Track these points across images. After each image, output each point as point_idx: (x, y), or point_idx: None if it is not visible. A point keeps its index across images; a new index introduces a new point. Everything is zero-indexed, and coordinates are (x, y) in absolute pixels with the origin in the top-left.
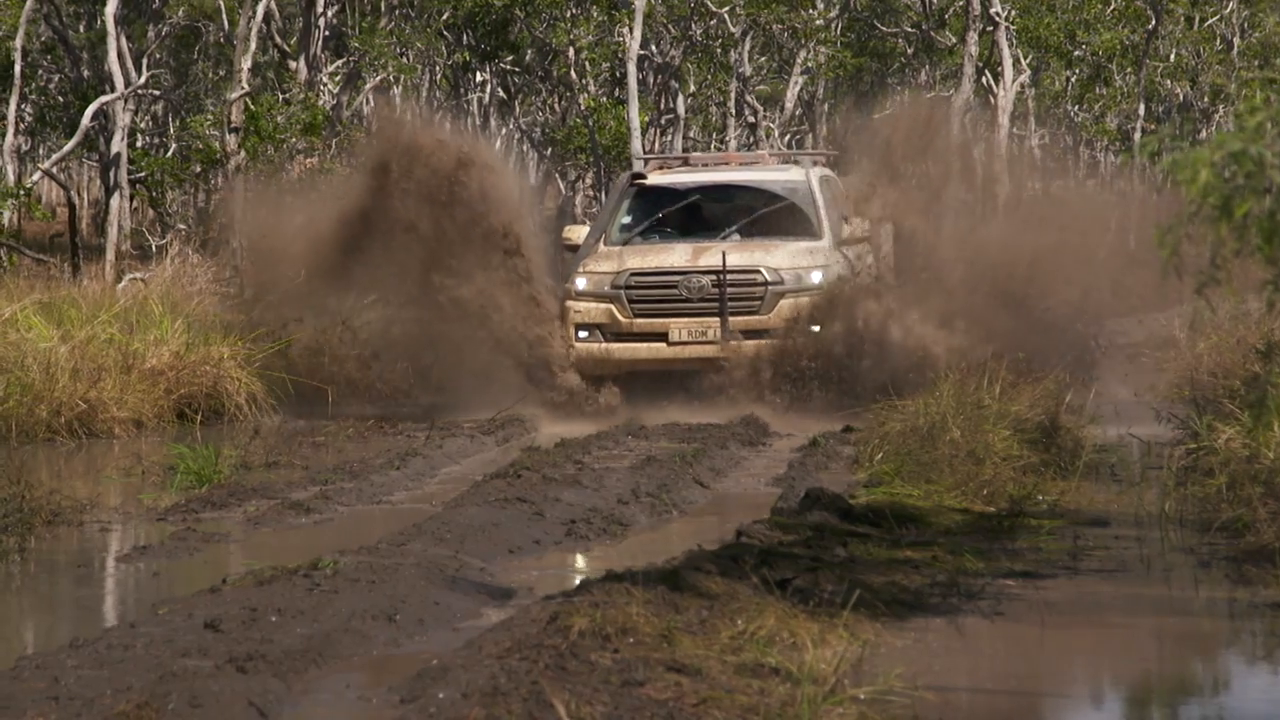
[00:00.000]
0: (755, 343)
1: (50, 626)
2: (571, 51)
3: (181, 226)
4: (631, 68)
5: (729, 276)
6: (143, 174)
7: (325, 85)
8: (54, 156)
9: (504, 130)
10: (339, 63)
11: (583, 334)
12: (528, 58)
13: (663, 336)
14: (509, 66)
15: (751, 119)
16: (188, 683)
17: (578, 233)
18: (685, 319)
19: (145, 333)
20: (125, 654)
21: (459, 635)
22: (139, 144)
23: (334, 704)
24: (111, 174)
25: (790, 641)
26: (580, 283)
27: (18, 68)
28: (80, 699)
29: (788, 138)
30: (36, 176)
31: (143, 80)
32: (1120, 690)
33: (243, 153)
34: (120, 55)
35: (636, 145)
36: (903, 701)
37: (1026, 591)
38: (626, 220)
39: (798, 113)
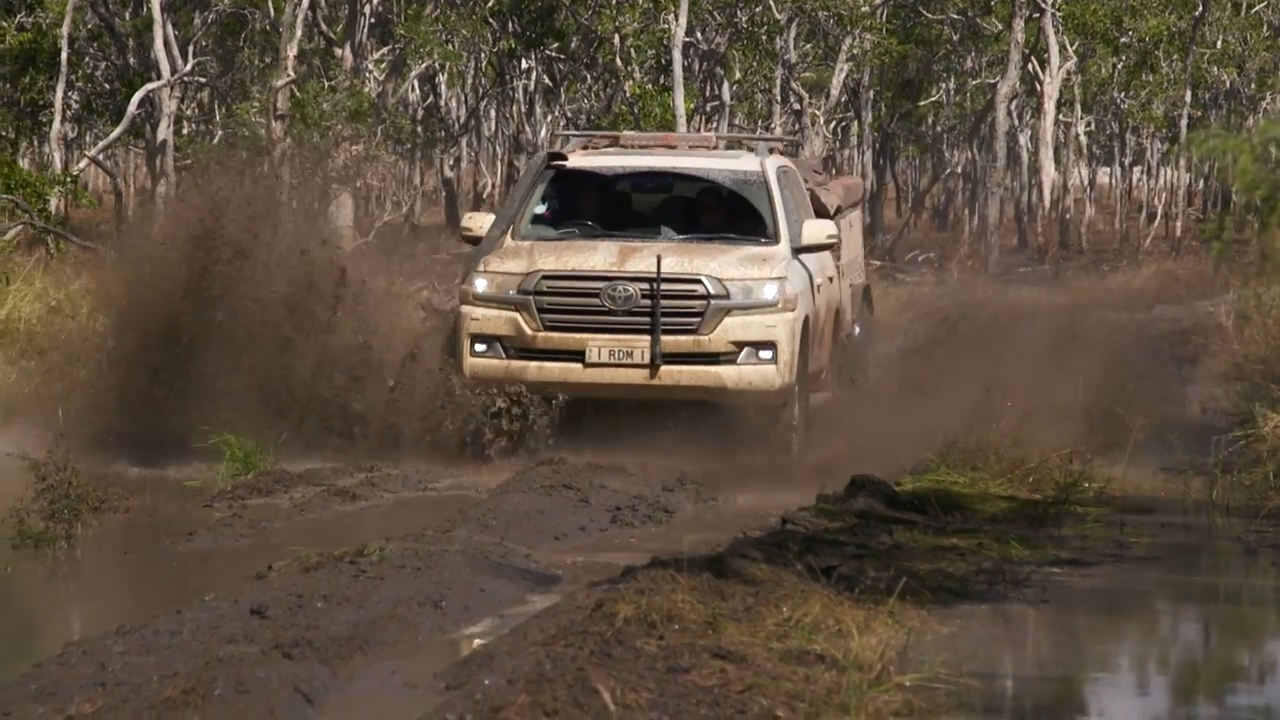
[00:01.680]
0: (690, 370)
1: (97, 613)
2: (617, 38)
3: None
4: (677, 54)
5: (664, 287)
6: (189, 161)
7: (371, 72)
8: (101, 144)
9: (549, 117)
10: (384, 50)
11: (479, 347)
12: (573, 45)
13: (578, 355)
14: (554, 54)
15: (797, 106)
16: (234, 669)
17: (479, 222)
18: (607, 335)
19: None
20: (172, 640)
21: (504, 622)
22: (185, 131)
23: (379, 690)
24: (158, 161)
25: (835, 628)
26: (479, 284)
27: (64, 55)
28: (127, 685)
29: (833, 124)
30: (83, 164)
31: (189, 68)
32: (1166, 678)
33: (288, 140)
34: (166, 42)
35: (682, 132)
36: (948, 689)
37: (1072, 579)
38: (540, 210)
39: (843, 100)
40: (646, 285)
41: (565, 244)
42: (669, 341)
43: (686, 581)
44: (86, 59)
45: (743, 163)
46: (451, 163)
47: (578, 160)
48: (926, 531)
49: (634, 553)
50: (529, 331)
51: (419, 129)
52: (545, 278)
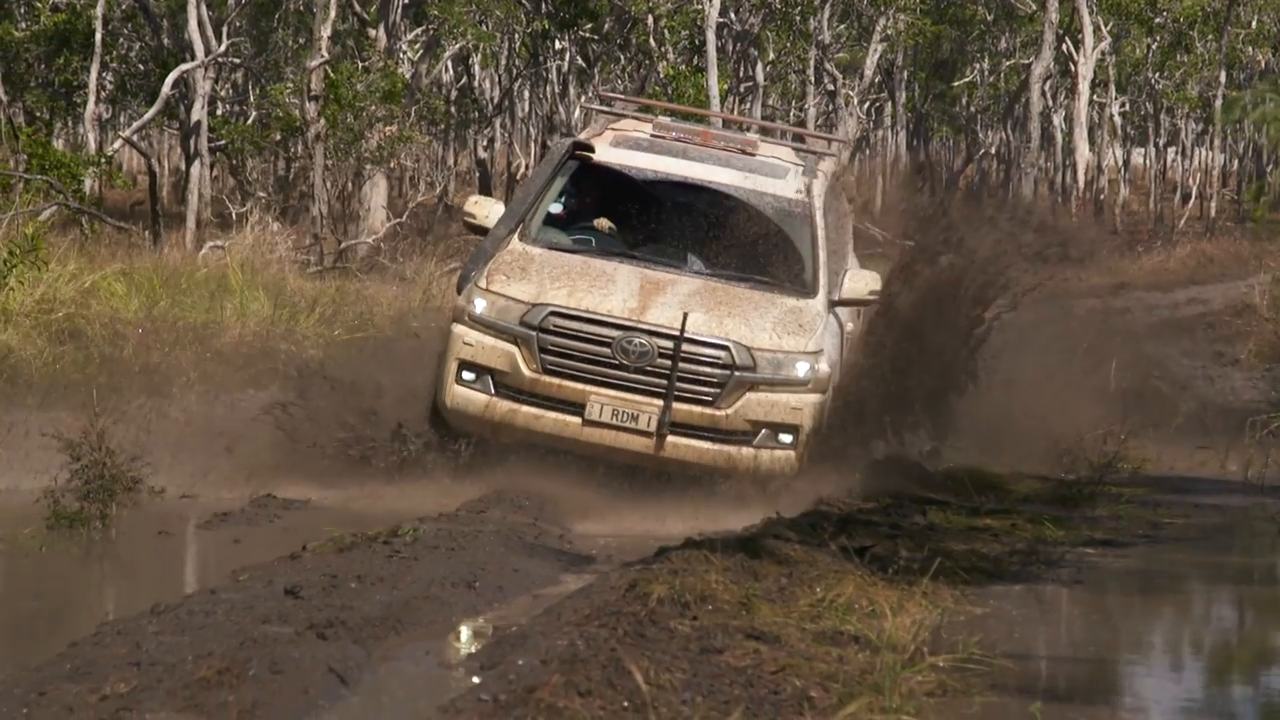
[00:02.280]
0: (699, 446)
1: (131, 593)
2: (650, 19)
3: (261, 194)
4: (710, 35)
5: (686, 349)
6: (223, 142)
7: (404, 53)
8: (135, 125)
9: (582, 98)
10: (418, 30)
11: (467, 375)
12: (607, 26)
13: (577, 409)
14: (588, 34)
15: (831, 87)
16: (268, 649)
17: (485, 209)
18: (613, 392)
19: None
20: (206, 620)
21: (538, 602)
22: (219, 112)
23: (413, 671)
24: (192, 142)
25: (869, 609)
26: (478, 305)
27: (99, 36)
28: (161, 664)
29: (867, 105)
30: (117, 144)
31: (223, 48)
32: (1199, 659)
33: (322, 120)
34: (200, 23)
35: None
36: (981, 670)
37: (1106, 560)
38: (556, 208)
39: (877, 80)
40: (667, 343)
41: (579, 271)
42: (681, 410)
43: (720, 562)
44: (121, 40)
45: (788, 184)
46: (485, 143)
47: (606, 155)
48: (960, 512)
49: (667, 532)
50: (526, 372)
51: (453, 110)
52: (554, 314)
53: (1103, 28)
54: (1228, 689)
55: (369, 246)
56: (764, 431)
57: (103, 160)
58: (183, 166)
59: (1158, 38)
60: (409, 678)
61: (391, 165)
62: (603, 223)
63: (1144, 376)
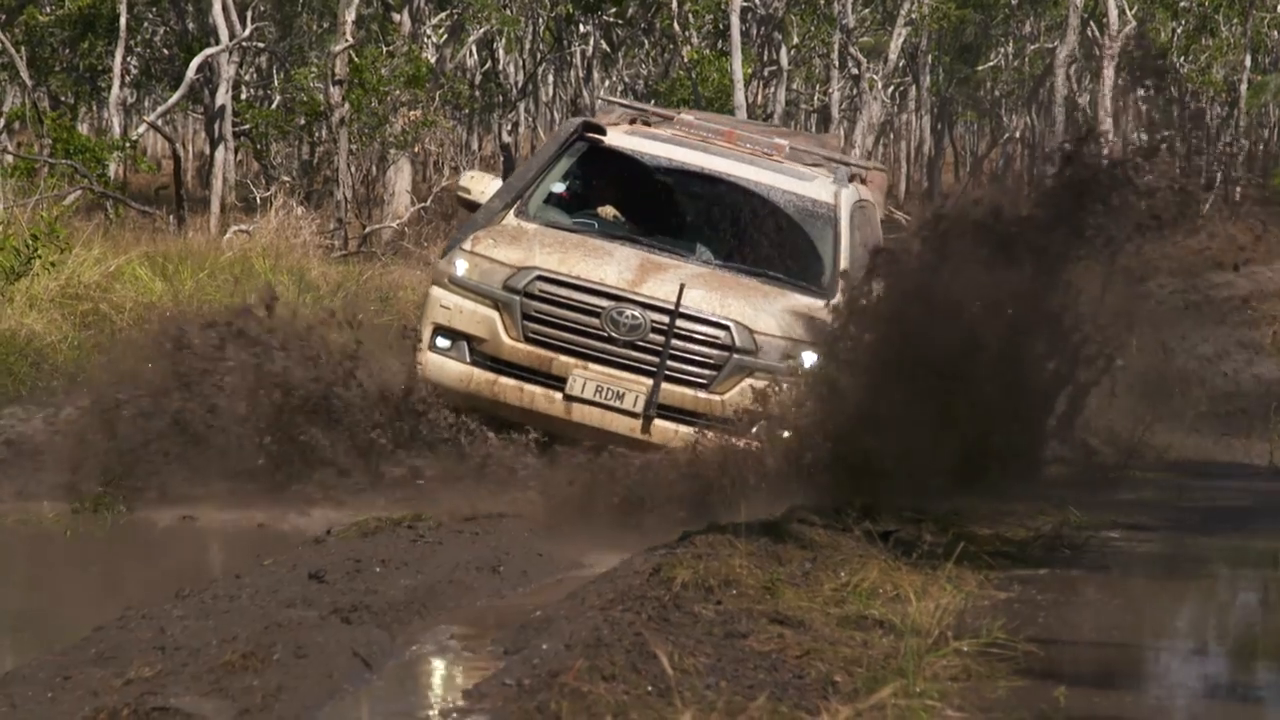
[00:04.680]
0: (688, 433)
1: (156, 578)
2: (675, 3)
3: (285, 179)
4: (735, 19)
5: (681, 324)
6: (247, 126)
7: (429, 38)
8: (159, 109)
9: (606, 83)
10: (442, 15)
11: (441, 342)
12: (631, 10)
13: (558, 383)
14: (612, 19)
15: (855, 71)
16: (293, 633)
17: (481, 184)
18: (598, 366)
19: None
20: (230, 605)
21: (562, 586)
22: (243, 96)
23: (438, 655)
24: (216, 126)
25: (893, 594)
26: (460, 266)
27: (123, 20)
28: (186, 649)
29: (891, 89)
30: (142, 129)
31: (247, 33)
32: (1225, 643)
33: (347, 105)
34: (225, 8)
35: (740, 97)
36: (1006, 654)
37: (1131, 544)
38: (559, 188)
39: (901, 64)
40: (661, 317)
41: (576, 239)
42: (671, 392)
43: (744, 546)
44: (145, 24)
45: (814, 188)
46: (509, 128)
47: (618, 138)
48: (984, 496)
49: (691, 517)
50: (505, 339)
51: (477, 94)
52: (540, 278)
53: (1127, 11)
54: (1253, 673)
55: (393, 231)
56: (762, 423)
57: (127, 145)
58: (207, 151)
59: (1182, 21)
60: (433, 662)
61: (415, 150)
62: (607, 210)
63: (1167, 361)
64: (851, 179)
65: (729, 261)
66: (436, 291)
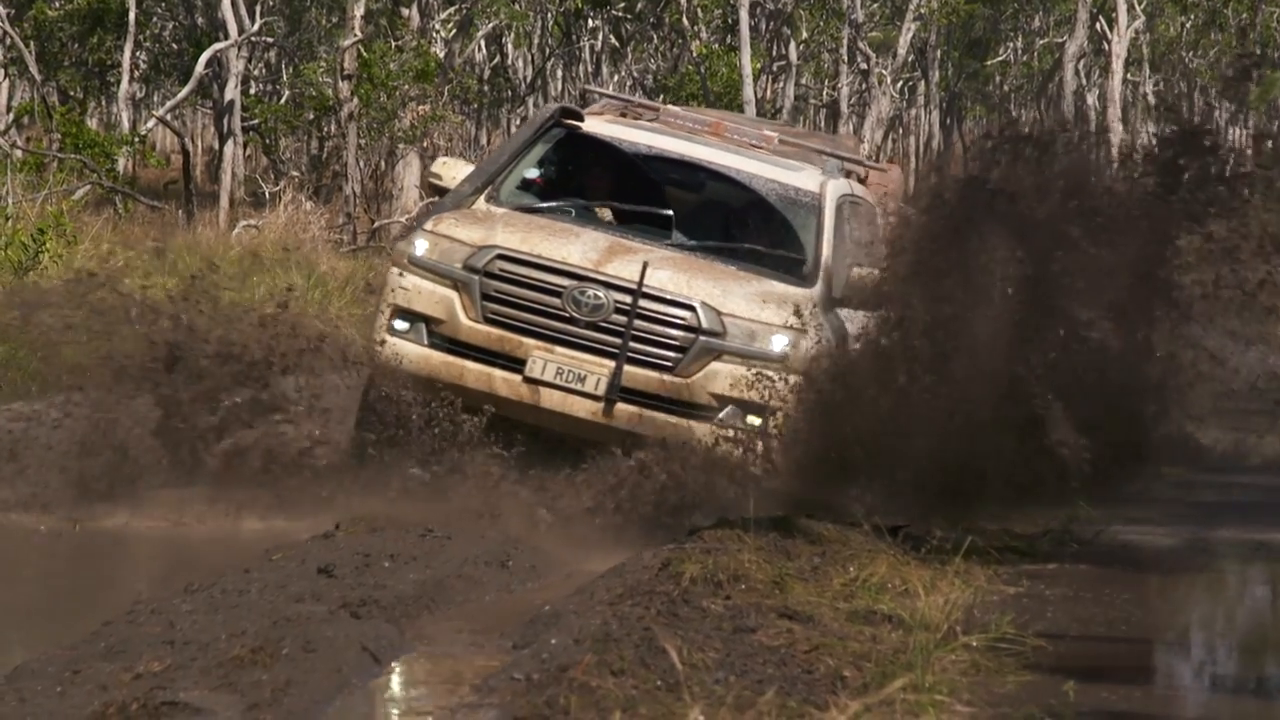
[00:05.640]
0: (653, 417)
1: (165, 572)
2: None
3: (295, 173)
4: (744, 14)
5: (645, 304)
6: (256, 121)
7: (438, 32)
8: (168, 104)
9: (615, 77)
10: (451, 10)
11: (400, 324)
12: (640, 4)
13: (517, 365)
14: (621, 13)
15: (864, 66)
16: (301, 627)
17: (452, 170)
18: (559, 348)
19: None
20: (239, 599)
21: (570, 581)
22: (252, 91)
23: (447, 649)
24: (225, 121)
25: (902, 588)
26: (419, 246)
27: (132, 15)
28: (195, 643)
29: (900, 84)
30: (151, 124)
31: (256, 27)
32: (1235, 638)
33: (355, 100)
34: (234, 3)
35: (749, 92)
36: (1015, 649)
37: (1141, 538)
38: (532, 174)
39: (910, 59)
40: (625, 297)
41: (543, 222)
42: (635, 375)
43: (753, 541)
44: (154, 19)
45: (798, 178)
46: (518, 122)
47: (595, 126)
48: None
49: (701, 511)
50: (464, 319)
51: (485, 89)
52: (500, 257)
53: (1136, 6)
54: (1262, 668)
55: (402, 226)
56: (730, 408)
57: (136, 139)
58: (216, 145)
59: (1191, 16)
60: (442, 657)
61: (424, 144)
62: (604, 212)
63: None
64: (849, 175)
65: (709, 251)
66: (395, 273)
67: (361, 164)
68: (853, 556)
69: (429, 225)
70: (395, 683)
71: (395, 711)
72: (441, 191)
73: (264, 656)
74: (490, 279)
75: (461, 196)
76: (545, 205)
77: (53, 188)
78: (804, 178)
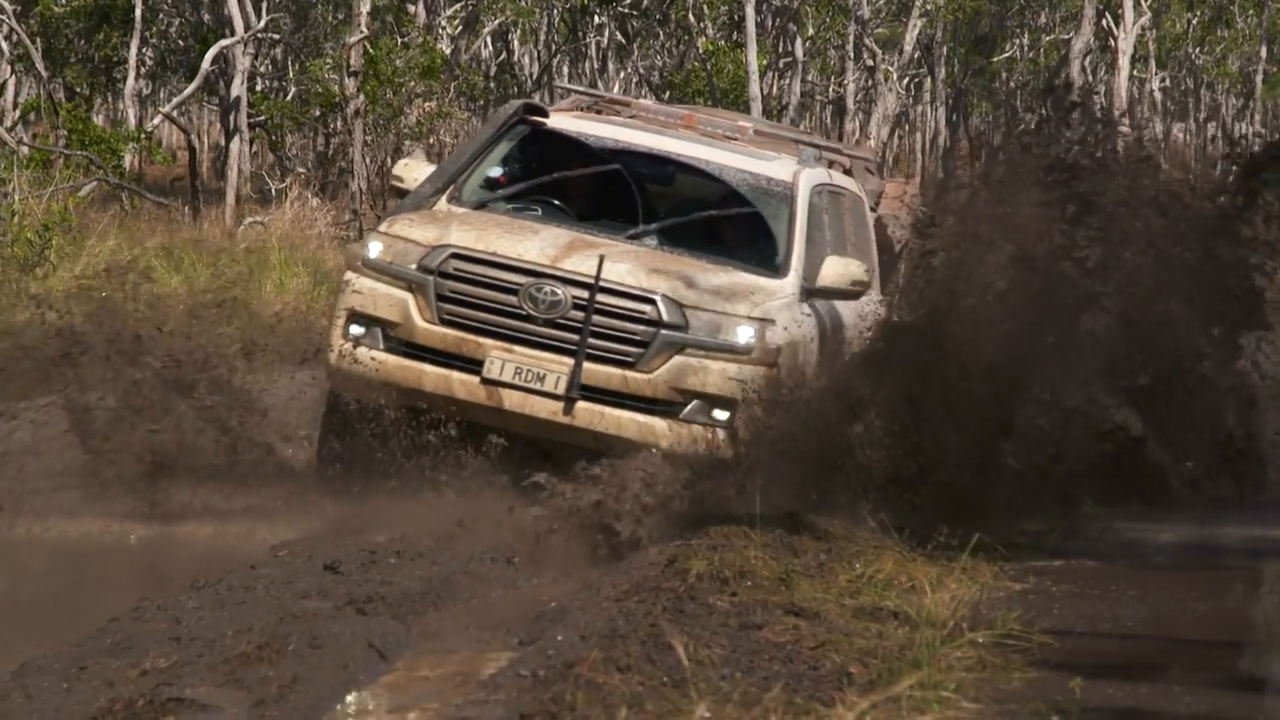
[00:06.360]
0: (615, 414)
1: (171, 569)
2: None
3: (301, 170)
4: (750, 10)
5: (603, 299)
6: (262, 118)
7: (444, 29)
8: (174, 100)
9: (621, 74)
10: (457, 6)
11: (355, 329)
12: (646, 1)
13: (474, 366)
14: (627, 10)
15: (870, 62)
16: (308, 624)
17: (414, 172)
18: (518, 347)
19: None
20: (246, 596)
21: (576, 578)
22: (259, 88)
23: (453, 646)
24: (231, 118)
25: (908, 585)
26: (373, 248)
27: (138, 12)
28: (201, 640)
29: (906, 81)
30: (157, 120)
31: (262, 24)
32: (1243, 634)
33: (361, 96)
34: None
35: (755, 88)
36: (1022, 645)
37: (1148, 534)
38: (496, 172)
39: (916, 56)
40: (583, 292)
41: (502, 219)
42: (595, 371)
43: (759, 537)
44: (160, 15)
45: (770, 167)
46: None
47: (560, 121)
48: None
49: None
50: (419, 322)
51: (492, 85)
52: (455, 256)
53: (1143, 2)
54: (1268, 664)
55: None
56: (695, 403)
57: (142, 136)
58: (222, 142)
59: (1198, 12)
60: (448, 653)
61: (431, 141)
62: (563, 207)
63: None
64: (832, 165)
65: (673, 240)
66: (350, 276)
67: (367, 160)
68: (858, 553)
69: (383, 227)
70: (401, 680)
71: (401, 708)
72: (404, 194)
73: (270, 653)
74: (445, 279)
75: (422, 198)
76: (513, 205)
77: (59, 184)
78: (776, 167)
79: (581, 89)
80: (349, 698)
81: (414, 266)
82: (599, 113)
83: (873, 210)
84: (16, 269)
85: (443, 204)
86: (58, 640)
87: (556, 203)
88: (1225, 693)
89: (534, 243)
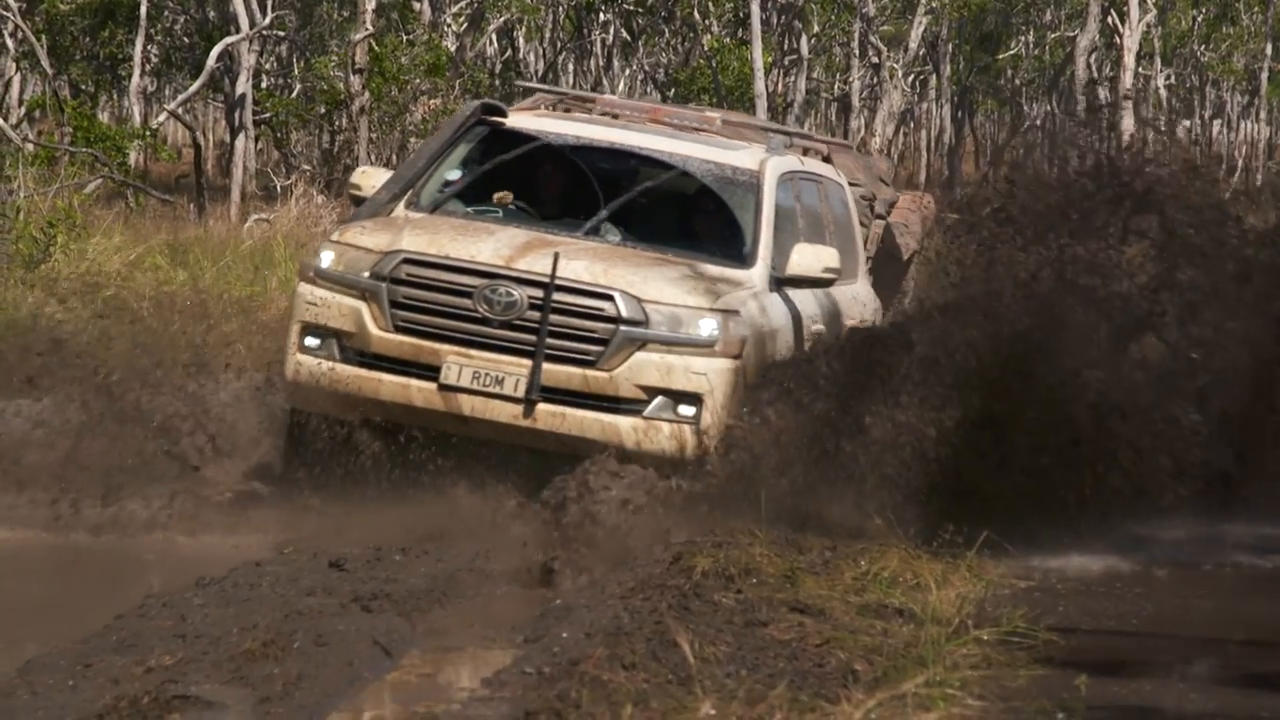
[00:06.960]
0: (578, 415)
1: (176, 566)
2: None
3: (306, 167)
4: (755, 8)
5: (559, 298)
6: (267, 115)
7: (449, 26)
8: (180, 97)
9: (627, 72)
10: (463, 3)
11: (310, 341)
12: None
13: (431, 373)
14: (632, 7)
15: (875, 60)
16: (313, 621)
17: (371, 179)
18: (474, 351)
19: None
20: (251, 593)
21: (582, 575)
22: (264, 85)
23: (458, 643)
24: (236, 115)
25: (913, 582)
26: (324, 258)
27: (144, 9)
28: (207, 637)
29: (911, 78)
30: (162, 117)
31: (267, 21)
32: (1247, 633)
33: (367, 94)
34: None
35: (760, 86)
36: (1027, 643)
37: (1155, 531)
38: (453, 175)
39: (921, 53)
40: (539, 292)
41: (456, 222)
42: (555, 372)
43: (764, 535)
44: (165, 13)
45: (736, 156)
46: None
47: (519, 120)
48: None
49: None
50: (374, 330)
51: (497, 83)
52: (407, 261)
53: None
54: (1274, 663)
55: None
56: (659, 399)
57: (147, 133)
58: (227, 139)
59: (1203, 10)
60: (453, 650)
61: None
62: (504, 196)
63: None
64: (806, 152)
65: (638, 234)
66: (303, 288)
67: (373, 158)
68: (864, 550)
69: (335, 235)
70: (407, 677)
71: (406, 705)
72: (362, 202)
73: (275, 650)
74: (398, 285)
75: (379, 204)
76: (472, 209)
77: (64, 181)
78: (742, 156)
79: (545, 87)
80: (354, 695)
81: (366, 274)
82: (567, 110)
83: (881, 218)
84: (21, 265)
85: (400, 209)
86: (63, 637)
87: (518, 203)
88: (1231, 690)
89: (488, 244)
